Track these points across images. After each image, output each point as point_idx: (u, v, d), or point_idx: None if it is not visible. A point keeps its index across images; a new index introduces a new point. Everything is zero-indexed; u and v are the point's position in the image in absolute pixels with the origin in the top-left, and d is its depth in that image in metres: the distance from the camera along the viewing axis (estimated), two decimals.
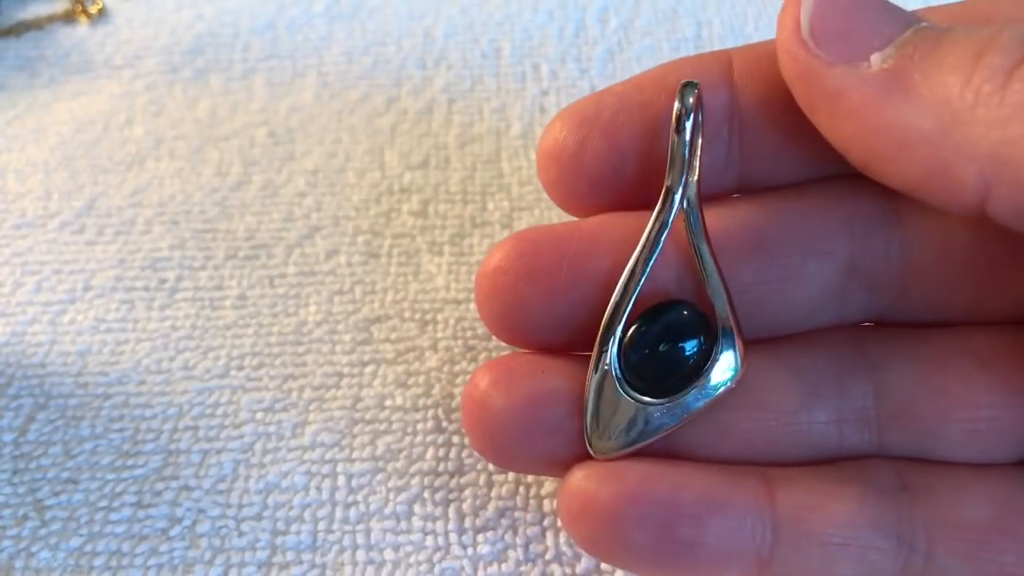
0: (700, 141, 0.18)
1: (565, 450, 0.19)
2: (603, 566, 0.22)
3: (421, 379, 0.26)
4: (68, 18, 0.38)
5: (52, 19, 0.37)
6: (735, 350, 0.19)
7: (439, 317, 0.27)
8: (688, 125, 0.18)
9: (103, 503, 0.23)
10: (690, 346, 0.19)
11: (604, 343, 0.19)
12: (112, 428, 0.25)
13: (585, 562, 0.22)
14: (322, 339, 0.27)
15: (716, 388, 0.19)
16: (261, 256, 0.29)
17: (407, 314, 0.27)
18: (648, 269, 0.19)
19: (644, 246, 0.19)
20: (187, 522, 0.23)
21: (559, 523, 0.23)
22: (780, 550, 0.18)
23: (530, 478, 0.24)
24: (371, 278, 0.28)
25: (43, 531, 0.23)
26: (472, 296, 0.28)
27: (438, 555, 0.22)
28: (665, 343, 0.19)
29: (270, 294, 0.28)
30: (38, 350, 0.26)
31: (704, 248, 0.19)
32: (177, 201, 0.31)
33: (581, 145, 0.19)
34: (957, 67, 0.15)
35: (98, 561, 0.22)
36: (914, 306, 0.19)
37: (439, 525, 0.23)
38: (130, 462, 0.24)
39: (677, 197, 0.19)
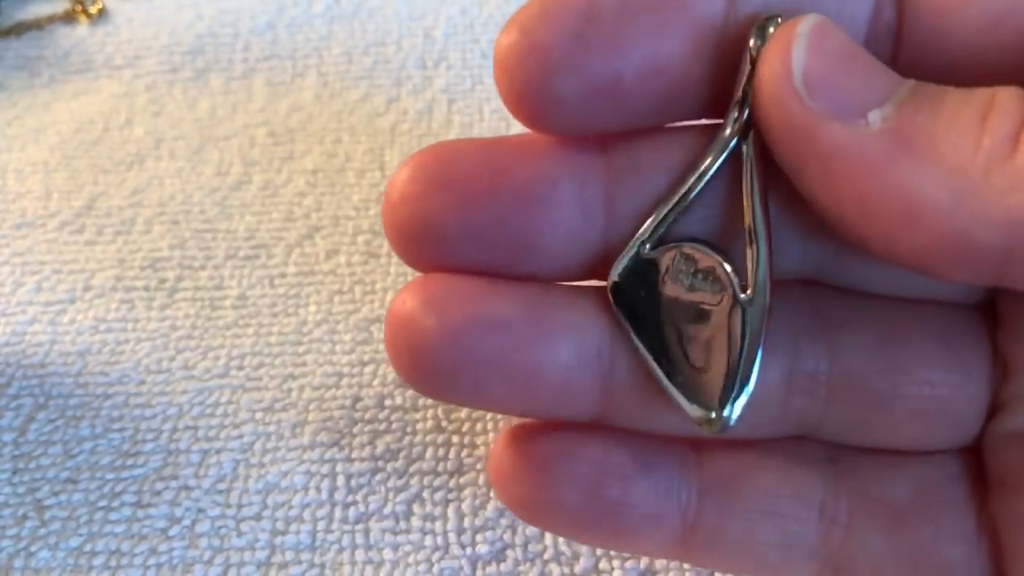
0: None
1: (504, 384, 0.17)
2: (601, 566, 0.22)
3: None
4: (68, 18, 0.38)
5: (52, 19, 0.37)
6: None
7: None
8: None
9: (103, 503, 0.23)
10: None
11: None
12: (112, 428, 0.25)
13: (584, 561, 0.22)
14: (322, 339, 0.27)
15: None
16: (261, 256, 0.29)
17: None
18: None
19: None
20: (186, 522, 0.23)
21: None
22: (705, 516, 0.18)
23: None
24: (371, 278, 0.28)
25: (43, 531, 0.23)
26: None
27: (437, 555, 0.22)
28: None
29: (270, 294, 0.28)
30: (38, 350, 0.26)
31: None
32: (177, 201, 0.31)
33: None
34: (965, 130, 0.14)
35: (97, 561, 0.22)
36: (870, 274, 0.18)
37: (438, 525, 0.23)
38: (130, 462, 0.24)
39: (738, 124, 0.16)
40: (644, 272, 0.17)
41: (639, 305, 0.17)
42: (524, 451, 0.18)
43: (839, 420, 0.18)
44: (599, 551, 0.22)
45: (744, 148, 0.16)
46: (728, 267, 0.17)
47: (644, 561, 0.22)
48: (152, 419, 0.25)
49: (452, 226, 0.17)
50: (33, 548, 0.22)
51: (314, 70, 0.36)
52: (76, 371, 0.26)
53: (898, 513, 0.18)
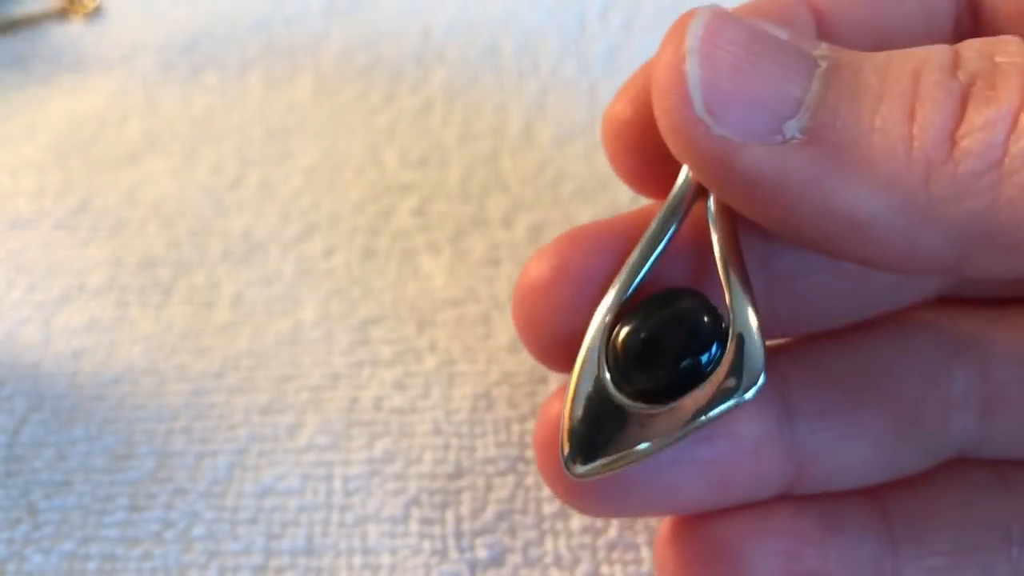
0: None
1: None
2: (602, 570, 0.22)
3: (419, 381, 0.25)
4: (62, 15, 0.37)
5: (46, 16, 0.37)
6: (756, 351, 0.15)
7: (438, 318, 0.27)
8: None
9: (96, 506, 0.23)
10: (698, 342, 0.16)
11: (595, 341, 0.16)
12: (106, 430, 0.24)
13: (584, 565, 0.22)
14: (319, 340, 0.26)
15: (726, 399, 0.15)
16: (257, 255, 0.29)
17: (405, 314, 0.27)
18: (655, 254, 0.16)
19: (655, 228, 0.16)
20: (181, 525, 0.23)
21: (557, 527, 0.22)
22: (905, 568, 0.17)
23: (529, 480, 0.23)
24: (369, 278, 0.28)
25: (36, 534, 0.22)
26: (471, 296, 0.28)
27: (435, 559, 0.22)
28: (667, 339, 0.16)
29: (266, 294, 0.28)
30: (31, 351, 0.26)
31: (723, 232, 0.16)
32: (172, 200, 0.30)
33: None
34: (893, 129, 0.12)
35: (91, 565, 0.22)
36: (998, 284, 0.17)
37: (436, 529, 0.22)
38: (124, 464, 0.24)
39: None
40: None
41: None
42: (701, 538, 0.17)
43: (1001, 434, 0.17)
44: (601, 554, 0.22)
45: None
46: None
47: (647, 565, 0.22)
48: (147, 421, 0.25)
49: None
50: (26, 552, 0.22)
51: (311, 67, 0.35)
52: (70, 372, 0.26)
53: None
